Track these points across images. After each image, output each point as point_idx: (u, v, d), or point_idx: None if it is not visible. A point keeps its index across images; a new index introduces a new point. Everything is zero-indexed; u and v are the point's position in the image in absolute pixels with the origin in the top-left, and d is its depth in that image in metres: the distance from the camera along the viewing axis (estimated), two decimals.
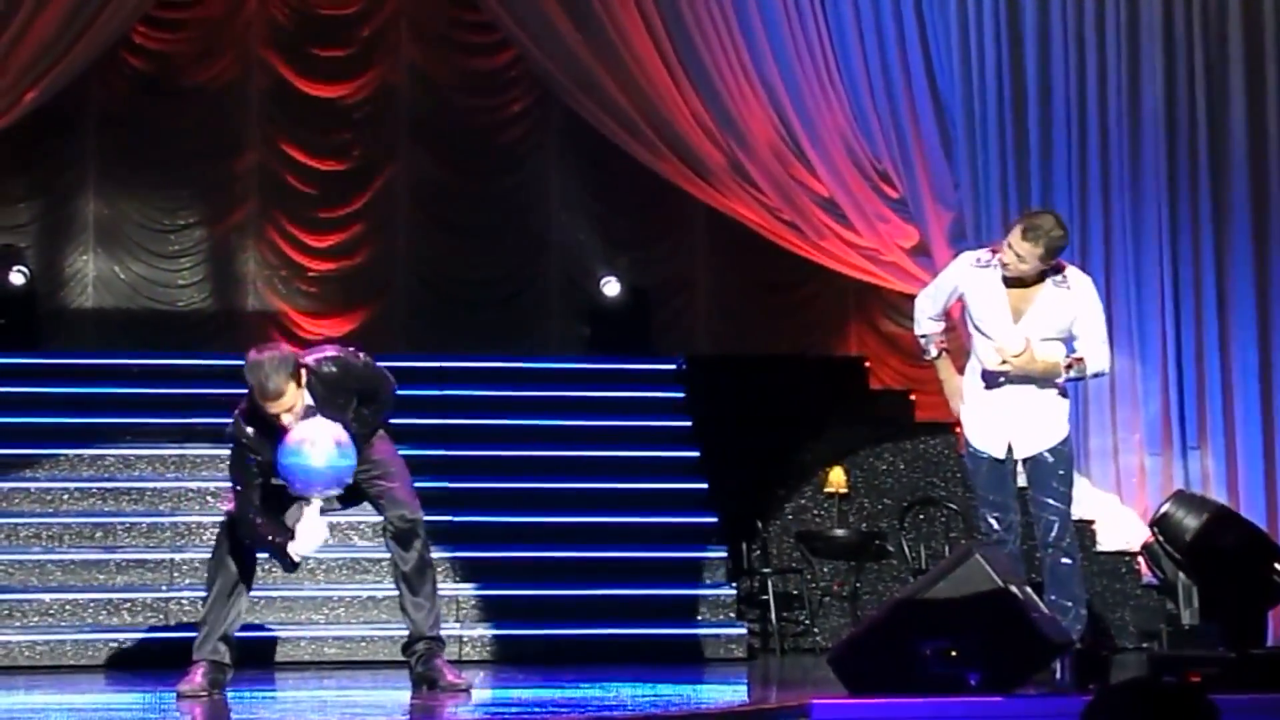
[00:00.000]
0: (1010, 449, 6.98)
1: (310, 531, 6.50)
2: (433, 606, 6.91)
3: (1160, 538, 8.32)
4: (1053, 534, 6.94)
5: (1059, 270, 6.95)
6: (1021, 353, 6.85)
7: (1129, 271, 11.02)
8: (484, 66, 14.23)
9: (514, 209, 14.24)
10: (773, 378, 11.88)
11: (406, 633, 6.96)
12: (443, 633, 7.10)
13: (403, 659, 7.09)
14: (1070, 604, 6.91)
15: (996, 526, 7.00)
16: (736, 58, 11.86)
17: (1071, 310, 6.93)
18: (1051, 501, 6.96)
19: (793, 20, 11.75)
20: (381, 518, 6.96)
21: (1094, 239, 11.09)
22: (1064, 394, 7.07)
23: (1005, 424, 6.98)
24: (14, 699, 7.05)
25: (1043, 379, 6.94)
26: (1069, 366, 6.93)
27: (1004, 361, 6.86)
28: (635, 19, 11.99)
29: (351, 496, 6.80)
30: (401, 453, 10.04)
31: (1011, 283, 6.91)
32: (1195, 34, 11.15)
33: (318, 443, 6.34)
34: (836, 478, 10.61)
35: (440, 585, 9.16)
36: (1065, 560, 6.95)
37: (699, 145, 12.07)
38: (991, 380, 6.96)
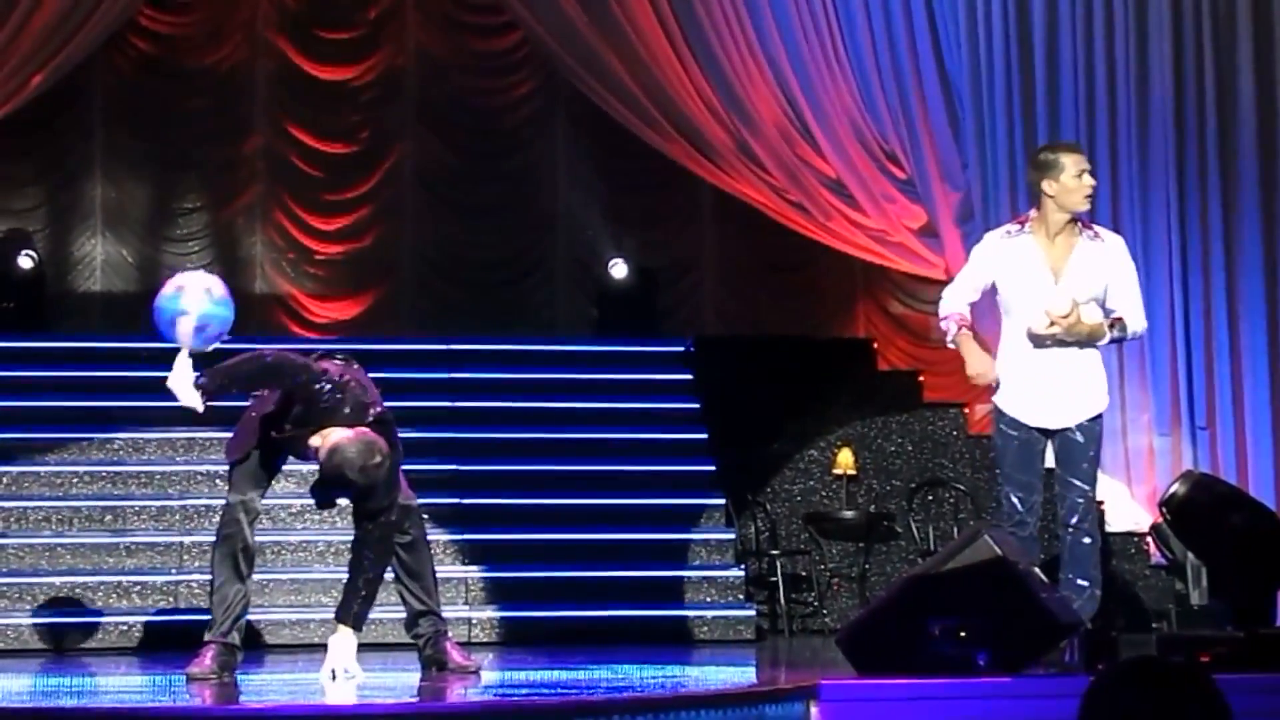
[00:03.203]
0: (1044, 424, 6.92)
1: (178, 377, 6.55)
2: (432, 586, 6.91)
3: (1169, 518, 8.32)
4: (1075, 515, 6.84)
5: (1089, 228, 6.90)
6: (1069, 313, 6.75)
7: (1137, 251, 10.95)
8: (491, 48, 14.21)
9: (521, 191, 14.23)
10: (780, 359, 11.87)
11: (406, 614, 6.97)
12: (445, 612, 7.10)
13: (411, 641, 7.09)
14: (1086, 584, 6.83)
15: (1020, 507, 6.88)
16: (743, 38, 11.85)
17: (1106, 265, 6.85)
18: (1078, 483, 6.85)
19: (800, 1, 11.74)
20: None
21: (1102, 218, 11.06)
22: (1100, 368, 6.93)
23: (1046, 391, 6.85)
24: (24, 682, 7.07)
25: (1085, 343, 6.84)
26: (1112, 325, 6.83)
27: (1052, 324, 6.78)
28: (643, 1, 11.98)
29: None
30: (409, 435, 10.03)
31: (1044, 244, 6.87)
32: (1204, 14, 11.12)
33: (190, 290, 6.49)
34: (845, 459, 10.61)
35: (448, 568, 9.24)
36: (1085, 540, 6.84)
37: (706, 126, 12.07)
38: (1038, 342, 6.83)
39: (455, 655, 6.85)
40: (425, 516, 9.53)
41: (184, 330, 6.52)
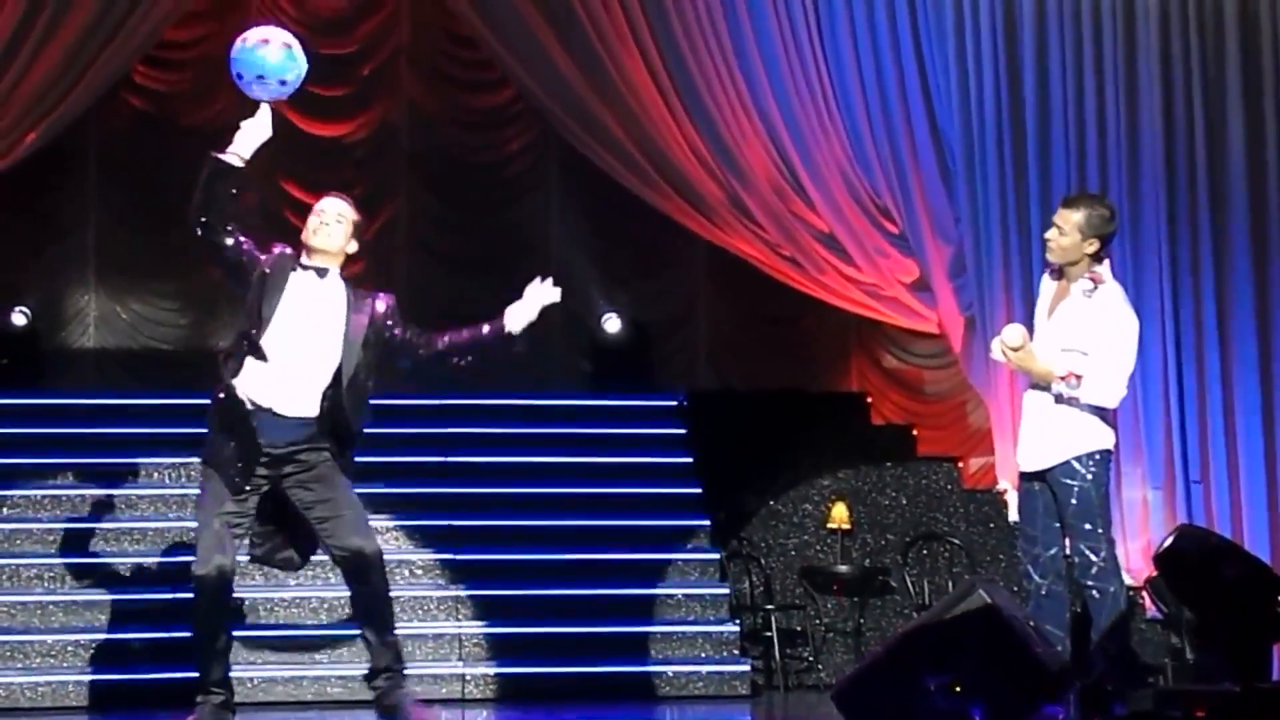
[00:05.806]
0: (1024, 466, 6.92)
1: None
2: (394, 639, 6.86)
3: (1164, 572, 8.30)
4: (1078, 570, 6.81)
5: (1096, 282, 6.86)
6: (1018, 347, 6.78)
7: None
8: (484, 103, 14.25)
9: (514, 245, 14.24)
10: (774, 413, 11.87)
11: (369, 666, 6.92)
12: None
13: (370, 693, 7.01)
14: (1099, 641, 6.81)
15: (1022, 559, 6.91)
16: (736, 94, 11.89)
17: (1090, 322, 6.80)
18: (1068, 536, 6.84)
19: (791, 56, 11.78)
20: (340, 552, 6.80)
21: None
22: (1087, 414, 6.79)
23: (1028, 431, 6.92)
24: None
25: (1054, 389, 6.80)
26: (1064, 378, 6.75)
27: (1003, 352, 6.85)
28: (635, 56, 12.03)
29: (309, 537, 6.77)
30: (403, 490, 10.01)
31: (1058, 284, 6.92)
32: (1193, 68, 11.18)
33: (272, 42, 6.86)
34: (839, 513, 10.59)
35: (442, 623, 9.20)
36: (1095, 595, 6.80)
37: (699, 181, 12.09)
38: (1028, 380, 6.97)
39: (413, 711, 6.78)
40: (419, 570, 9.55)
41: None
